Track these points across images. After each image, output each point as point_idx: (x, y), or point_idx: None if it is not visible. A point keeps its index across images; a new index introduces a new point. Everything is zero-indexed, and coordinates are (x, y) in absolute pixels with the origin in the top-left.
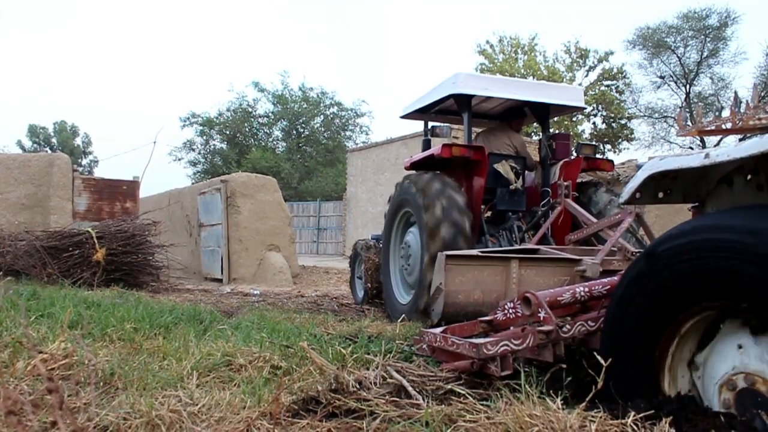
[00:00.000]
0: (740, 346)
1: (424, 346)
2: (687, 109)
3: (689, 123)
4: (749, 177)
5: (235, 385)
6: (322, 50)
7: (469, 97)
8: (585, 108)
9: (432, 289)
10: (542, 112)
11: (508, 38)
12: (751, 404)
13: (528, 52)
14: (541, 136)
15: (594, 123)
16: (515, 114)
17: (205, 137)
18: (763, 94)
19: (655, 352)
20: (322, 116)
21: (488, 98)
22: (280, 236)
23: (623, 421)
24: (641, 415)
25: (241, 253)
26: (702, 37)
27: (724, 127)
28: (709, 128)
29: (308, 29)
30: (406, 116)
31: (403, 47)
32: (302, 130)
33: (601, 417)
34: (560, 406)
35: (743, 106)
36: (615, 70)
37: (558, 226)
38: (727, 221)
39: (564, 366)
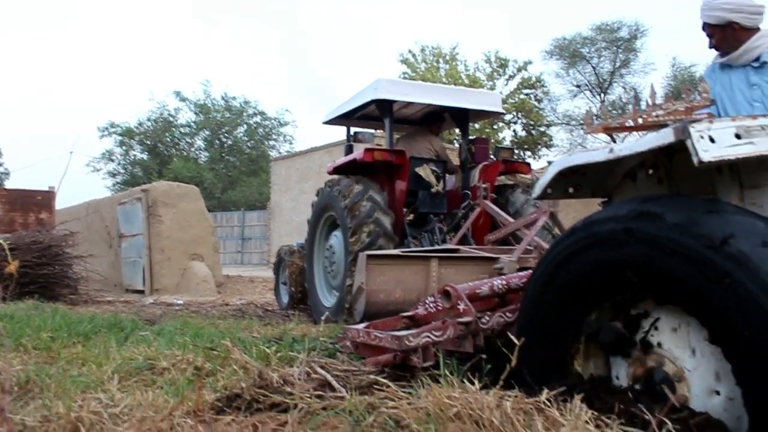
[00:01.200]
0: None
1: (348, 342)
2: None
3: (596, 122)
4: (650, 171)
5: (157, 387)
6: (245, 59)
7: (391, 102)
8: (503, 113)
9: (354, 288)
10: (462, 117)
11: (430, 48)
12: (656, 381)
13: (450, 61)
14: (461, 141)
15: (514, 130)
16: (435, 119)
17: (124, 147)
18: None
19: (569, 335)
20: (245, 125)
21: (409, 104)
22: (204, 245)
23: (537, 399)
24: (554, 393)
25: (163, 263)
26: (614, 48)
27: (627, 124)
28: (613, 125)
29: (231, 37)
30: (328, 122)
31: (327, 57)
32: (225, 140)
33: (516, 396)
34: (478, 389)
35: (644, 104)
36: (534, 79)
37: (478, 228)
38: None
39: (484, 356)
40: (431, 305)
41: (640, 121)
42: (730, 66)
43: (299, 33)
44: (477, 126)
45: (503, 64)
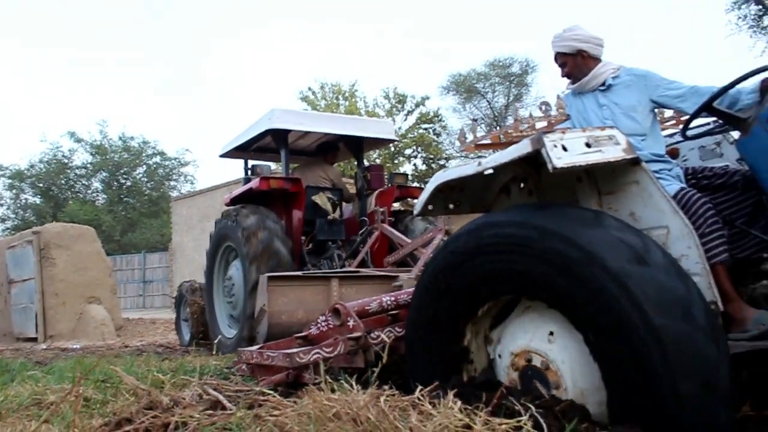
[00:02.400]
0: (521, 328)
1: (243, 366)
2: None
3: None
4: (522, 185)
5: (44, 420)
6: (143, 99)
7: (286, 132)
8: (396, 140)
9: (256, 311)
10: (356, 145)
11: (329, 85)
12: (530, 377)
13: (349, 98)
14: (356, 169)
15: (415, 164)
16: (330, 148)
17: (14, 191)
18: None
19: (452, 337)
20: (144, 166)
21: (305, 135)
22: (101, 288)
23: (412, 396)
24: (428, 389)
25: (57, 308)
26: (507, 83)
27: (501, 139)
28: (483, 142)
29: (129, 77)
30: (225, 155)
31: (227, 96)
32: (124, 181)
33: (394, 395)
34: (356, 390)
35: (510, 120)
36: (431, 114)
37: (376, 252)
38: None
39: (375, 369)
40: (323, 324)
41: (519, 133)
42: (582, 92)
43: (199, 71)
44: (378, 161)
45: (402, 99)
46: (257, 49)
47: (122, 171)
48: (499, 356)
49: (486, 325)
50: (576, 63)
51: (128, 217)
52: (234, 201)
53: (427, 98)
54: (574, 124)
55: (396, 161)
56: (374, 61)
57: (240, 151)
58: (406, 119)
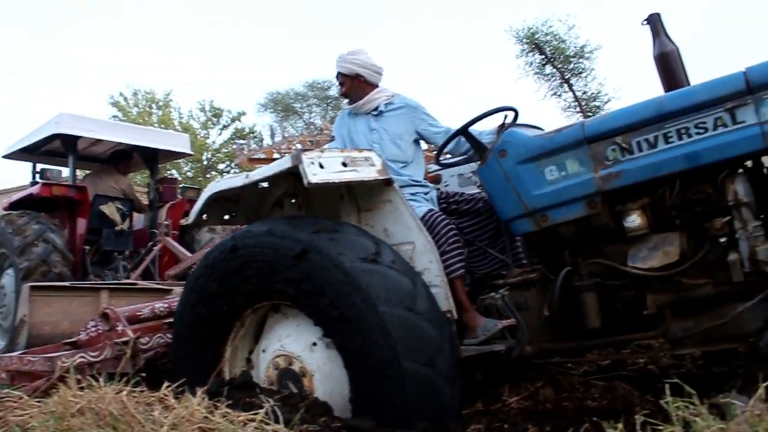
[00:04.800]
0: (284, 334)
1: (2, 374)
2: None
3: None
4: (293, 200)
5: None
6: None
7: (75, 137)
8: (191, 154)
9: (16, 321)
10: (151, 156)
11: (143, 92)
12: (286, 378)
13: (163, 107)
14: (150, 181)
15: None
16: (123, 157)
17: None
18: None
19: (214, 341)
20: None
21: (98, 141)
22: None
23: (158, 392)
24: (175, 385)
25: None
26: (324, 105)
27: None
28: (256, 156)
29: None
30: (9, 156)
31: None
32: None
33: (142, 391)
34: (102, 387)
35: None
36: (247, 130)
37: (165, 264)
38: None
39: (143, 374)
40: (93, 329)
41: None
42: (356, 114)
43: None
44: (190, 174)
45: (218, 113)
46: (66, 47)
47: None
48: (260, 358)
49: (247, 329)
50: (353, 85)
51: None
52: (14, 206)
53: (244, 114)
54: (345, 143)
55: (208, 176)
56: (191, 72)
57: (26, 153)
58: (221, 133)
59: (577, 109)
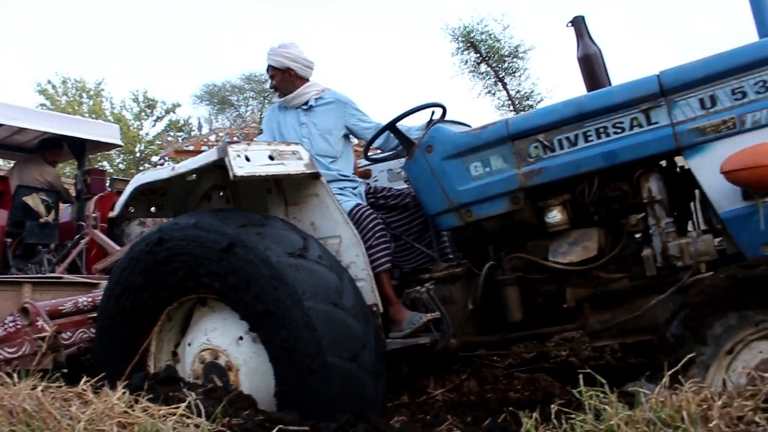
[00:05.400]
0: (211, 328)
1: None
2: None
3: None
4: (221, 193)
5: None
6: None
7: None
8: (120, 145)
9: None
10: (78, 147)
11: (72, 80)
12: (212, 372)
13: (94, 96)
14: (77, 172)
15: None
16: (50, 147)
17: None
18: None
19: (138, 335)
20: None
21: (21, 130)
22: None
23: (76, 388)
24: (94, 380)
25: None
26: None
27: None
28: (183, 148)
29: None
30: None
31: None
32: None
33: (60, 387)
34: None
35: (204, 130)
36: (182, 122)
37: (93, 258)
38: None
39: (65, 370)
40: (11, 325)
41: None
42: (287, 107)
43: None
44: (122, 166)
45: (151, 104)
46: None
47: None
48: (186, 351)
49: (173, 323)
50: (284, 78)
51: None
52: None
53: (179, 105)
54: (274, 137)
55: (141, 168)
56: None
57: None
58: (154, 125)
59: (511, 107)
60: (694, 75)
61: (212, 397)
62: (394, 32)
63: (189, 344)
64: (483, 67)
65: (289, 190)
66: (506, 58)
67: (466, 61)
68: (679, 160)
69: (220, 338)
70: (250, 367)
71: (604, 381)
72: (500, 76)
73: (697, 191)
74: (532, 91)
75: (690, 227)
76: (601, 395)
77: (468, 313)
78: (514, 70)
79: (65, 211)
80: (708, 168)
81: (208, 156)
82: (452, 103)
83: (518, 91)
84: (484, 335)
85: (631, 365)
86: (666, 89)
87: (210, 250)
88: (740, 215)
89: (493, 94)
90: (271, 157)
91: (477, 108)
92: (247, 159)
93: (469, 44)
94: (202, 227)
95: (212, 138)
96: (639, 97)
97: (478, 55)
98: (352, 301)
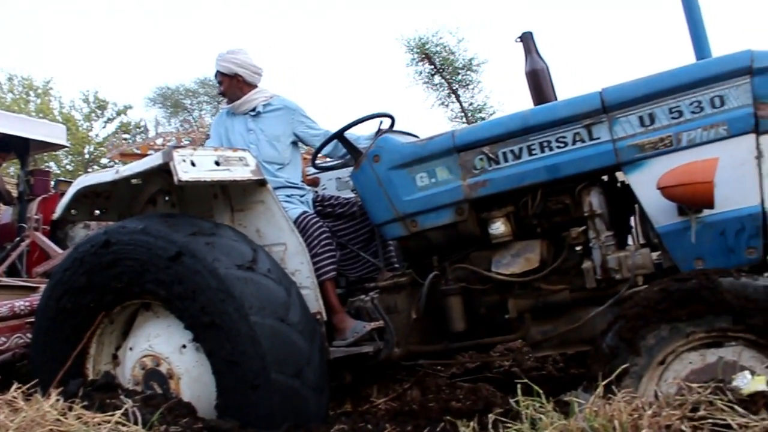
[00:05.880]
0: (154, 334)
1: None
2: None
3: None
4: (167, 198)
5: None
6: None
7: None
8: (66, 146)
9: None
10: (22, 146)
11: (19, 77)
12: (152, 379)
13: (42, 95)
14: (20, 172)
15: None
16: None
17: None
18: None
19: (76, 340)
20: None
21: None
22: None
23: (6, 395)
24: (25, 387)
25: None
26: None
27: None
28: (127, 151)
29: None
30: None
31: None
32: None
33: None
34: None
35: (150, 133)
36: (133, 124)
37: (33, 261)
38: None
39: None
40: None
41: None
42: (234, 113)
43: None
44: (70, 168)
45: (102, 105)
46: None
47: None
48: (126, 356)
49: (115, 326)
50: (232, 85)
51: None
52: None
53: (130, 107)
54: (222, 143)
55: (90, 170)
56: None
57: None
58: (105, 126)
59: (464, 119)
60: (634, 93)
61: (150, 405)
62: (348, 41)
63: (130, 348)
64: (437, 79)
65: (235, 196)
66: (460, 71)
67: (421, 72)
68: (620, 176)
69: (163, 345)
70: (192, 377)
71: (541, 391)
72: (454, 88)
73: (636, 206)
74: (484, 104)
75: (630, 241)
76: (538, 405)
77: (412, 322)
78: (467, 82)
79: (5, 213)
80: (646, 184)
81: (154, 160)
82: (406, 113)
83: (471, 104)
84: (428, 345)
85: (572, 375)
86: (608, 106)
87: (157, 257)
88: (675, 230)
89: (447, 105)
90: (218, 163)
91: (430, 119)
92: (193, 164)
93: (423, 56)
94: (150, 233)
95: (159, 141)
96: (582, 112)
97: (433, 66)
98: (299, 316)
